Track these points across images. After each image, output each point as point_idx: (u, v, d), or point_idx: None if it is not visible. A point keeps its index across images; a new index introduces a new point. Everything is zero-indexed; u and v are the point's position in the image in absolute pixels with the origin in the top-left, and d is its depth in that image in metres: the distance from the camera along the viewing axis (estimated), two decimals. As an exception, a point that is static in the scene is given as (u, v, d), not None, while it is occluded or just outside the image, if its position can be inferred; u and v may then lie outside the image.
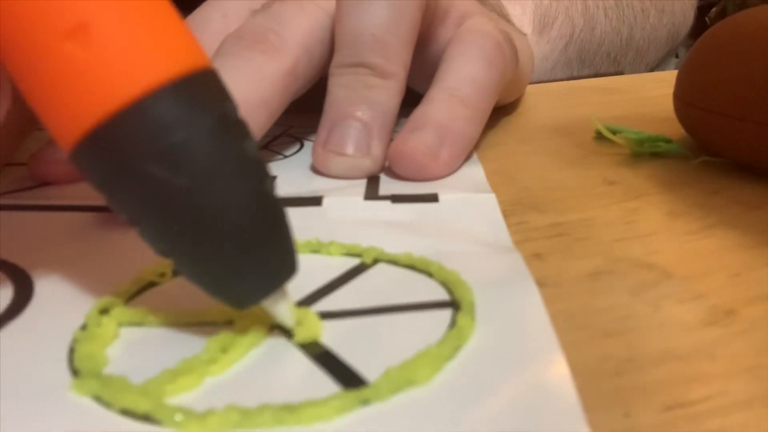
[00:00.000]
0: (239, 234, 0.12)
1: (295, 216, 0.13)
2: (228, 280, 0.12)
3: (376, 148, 0.23)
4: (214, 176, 0.12)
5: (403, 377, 0.12)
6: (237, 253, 0.12)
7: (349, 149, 0.23)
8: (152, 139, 0.11)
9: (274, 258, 0.12)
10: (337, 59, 0.24)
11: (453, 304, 0.14)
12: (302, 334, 0.13)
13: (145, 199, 0.12)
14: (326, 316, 0.14)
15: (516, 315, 0.14)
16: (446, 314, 0.14)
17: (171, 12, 0.12)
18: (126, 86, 0.11)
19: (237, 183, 0.12)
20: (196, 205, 0.11)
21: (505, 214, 0.20)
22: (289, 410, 0.11)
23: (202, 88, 0.12)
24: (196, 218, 0.12)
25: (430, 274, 0.16)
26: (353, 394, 0.12)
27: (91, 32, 0.11)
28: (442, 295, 0.15)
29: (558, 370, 0.12)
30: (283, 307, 0.13)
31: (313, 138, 0.24)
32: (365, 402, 0.11)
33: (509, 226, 0.19)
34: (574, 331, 0.14)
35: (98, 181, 0.12)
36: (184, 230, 0.12)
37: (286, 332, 0.14)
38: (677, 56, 0.60)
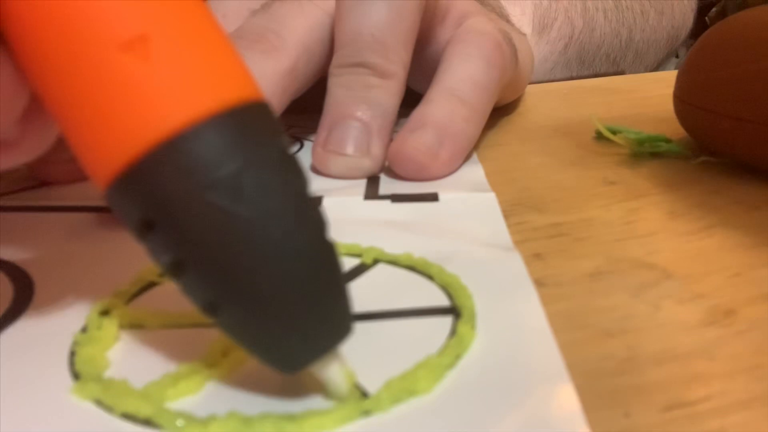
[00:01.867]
0: (297, 278, 0.11)
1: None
2: (281, 337, 0.11)
3: (376, 148, 0.23)
4: (279, 209, 0.11)
5: (403, 388, 0.12)
6: (295, 303, 0.11)
7: (349, 149, 0.23)
8: (213, 166, 0.10)
9: (333, 312, 0.11)
10: (336, 59, 0.24)
11: (453, 311, 0.14)
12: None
13: (200, 234, 0.10)
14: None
15: (515, 321, 0.14)
16: (447, 321, 0.14)
17: (227, 39, 0.11)
18: (188, 107, 0.10)
19: (301, 220, 0.11)
20: (257, 240, 0.10)
21: (505, 214, 0.20)
22: (291, 420, 0.11)
23: (261, 119, 0.11)
24: (257, 255, 0.10)
25: (430, 277, 0.16)
26: (354, 405, 0.11)
27: (150, 46, 0.10)
28: (442, 300, 0.15)
29: (558, 375, 0.12)
30: (335, 372, 0.12)
31: (313, 138, 0.25)
32: (366, 413, 0.11)
33: (509, 226, 0.19)
34: (574, 331, 0.14)
35: (145, 215, 0.11)
36: (241, 270, 0.10)
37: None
38: (677, 56, 0.60)
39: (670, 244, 0.18)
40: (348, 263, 0.17)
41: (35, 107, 0.12)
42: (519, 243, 0.18)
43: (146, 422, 0.11)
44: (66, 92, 0.11)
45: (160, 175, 0.10)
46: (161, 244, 0.11)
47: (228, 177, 0.10)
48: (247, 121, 0.11)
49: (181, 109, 0.10)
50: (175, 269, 0.11)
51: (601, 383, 0.12)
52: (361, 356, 0.13)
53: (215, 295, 0.11)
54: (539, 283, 0.16)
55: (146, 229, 0.11)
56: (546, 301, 0.15)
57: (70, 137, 0.11)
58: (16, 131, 0.12)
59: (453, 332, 0.14)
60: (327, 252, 0.11)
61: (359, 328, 0.14)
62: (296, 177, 0.11)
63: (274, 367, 0.11)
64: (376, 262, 0.17)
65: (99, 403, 0.12)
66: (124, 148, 0.10)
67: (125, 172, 0.10)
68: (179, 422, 0.11)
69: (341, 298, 0.11)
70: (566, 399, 0.11)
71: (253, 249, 0.10)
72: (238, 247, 0.10)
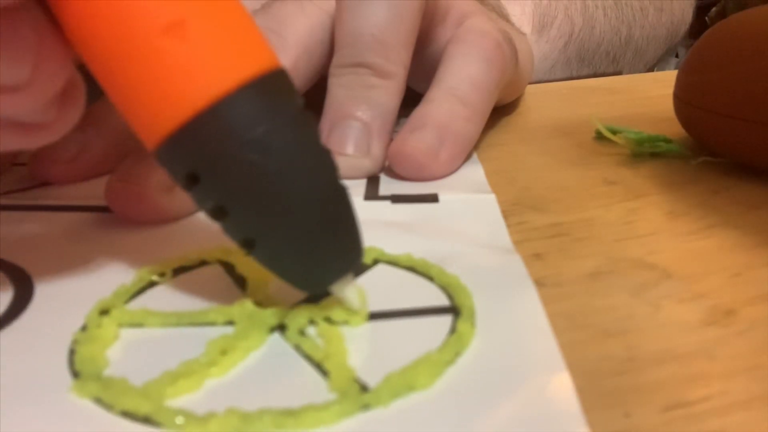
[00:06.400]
0: (320, 214, 0.13)
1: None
2: (307, 262, 0.13)
3: (376, 148, 0.23)
4: (300, 160, 0.13)
5: (403, 382, 0.12)
6: (317, 234, 0.13)
7: (349, 149, 0.23)
8: (246, 128, 0.12)
9: (347, 241, 0.14)
10: (337, 59, 0.23)
11: (453, 310, 0.14)
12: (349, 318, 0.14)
13: (239, 184, 0.12)
14: (327, 319, 0.14)
15: (515, 320, 0.14)
16: (446, 320, 0.14)
17: (249, 17, 0.13)
18: (222, 79, 0.12)
19: (318, 168, 0.13)
20: (285, 187, 0.13)
21: (505, 214, 0.20)
22: (290, 414, 0.11)
23: (281, 84, 0.13)
24: (285, 199, 0.13)
25: (430, 278, 0.16)
26: (354, 399, 0.11)
27: (187, 29, 0.12)
28: (442, 300, 0.15)
29: (557, 374, 0.12)
30: (350, 290, 0.14)
31: (313, 138, 0.24)
32: (366, 407, 0.11)
33: (509, 226, 0.19)
34: (574, 331, 0.14)
35: (191, 170, 0.13)
36: (273, 211, 0.13)
37: (281, 329, 0.14)
38: (677, 56, 0.60)
39: (670, 244, 0.18)
40: (348, 263, 0.17)
41: (69, 91, 0.14)
42: (519, 243, 0.18)
43: (145, 420, 0.11)
44: (119, 71, 0.12)
45: (202, 137, 0.12)
46: (205, 194, 0.13)
47: (258, 137, 0.12)
48: (270, 87, 0.13)
49: (216, 81, 0.12)
50: (218, 214, 0.13)
51: (601, 383, 0.12)
52: (362, 353, 0.13)
53: (251, 233, 0.13)
54: (539, 283, 0.16)
55: (192, 181, 0.13)
56: (546, 301, 0.15)
57: (123, 108, 0.13)
58: (52, 113, 0.14)
59: (453, 330, 0.14)
60: (339, 193, 0.13)
61: (360, 327, 0.14)
62: (311, 132, 0.13)
63: (301, 289, 0.14)
64: (376, 262, 0.17)
65: (98, 401, 0.12)
66: (171, 115, 0.12)
67: (172, 135, 0.12)
68: (179, 419, 0.11)
69: (353, 230, 0.14)
70: (565, 397, 0.11)
71: (280, 195, 0.13)
72: (268, 193, 0.13)
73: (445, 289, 0.15)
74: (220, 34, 0.12)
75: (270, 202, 0.13)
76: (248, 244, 0.13)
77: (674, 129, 0.26)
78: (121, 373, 0.12)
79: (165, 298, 0.15)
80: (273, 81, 0.13)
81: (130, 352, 0.13)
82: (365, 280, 0.16)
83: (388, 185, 0.22)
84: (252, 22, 0.13)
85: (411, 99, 0.25)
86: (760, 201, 0.21)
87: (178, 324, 0.14)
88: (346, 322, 0.14)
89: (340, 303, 0.14)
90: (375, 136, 0.23)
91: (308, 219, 0.13)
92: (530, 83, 0.37)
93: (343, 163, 0.23)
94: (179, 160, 0.13)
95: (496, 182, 0.22)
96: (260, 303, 0.14)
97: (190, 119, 0.12)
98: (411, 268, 0.16)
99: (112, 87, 0.13)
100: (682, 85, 0.25)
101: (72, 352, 0.13)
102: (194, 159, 0.12)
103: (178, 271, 0.16)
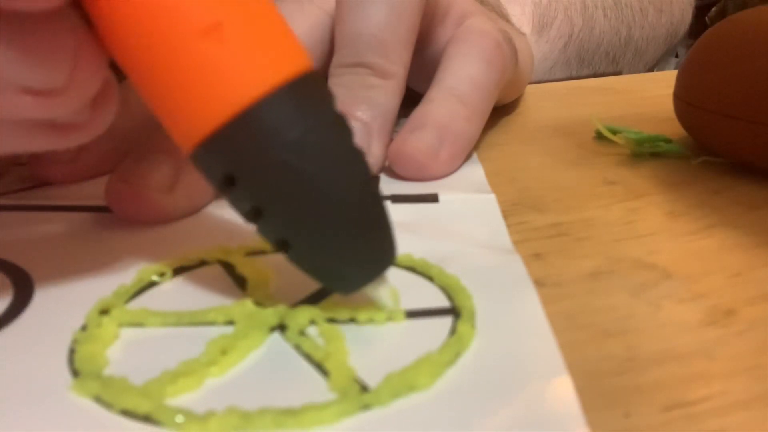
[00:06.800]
0: (355, 215, 0.13)
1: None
2: (341, 263, 0.13)
3: (376, 148, 0.23)
4: (336, 162, 0.13)
5: (403, 383, 0.12)
6: (352, 235, 0.13)
7: (349, 149, 0.23)
8: (283, 129, 0.12)
9: (381, 242, 0.14)
10: (336, 59, 0.24)
11: (453, 311, 0.14)
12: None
13: (275, 186, 0.12)
14: (327, 319, 0.14)
15: (515, 320, 0.14)
16: (447, 321, 0.14)
17: (282, 19, 0.13)
18: (259, 81, 0.12)
19: (353, 169, 0.13)
20: (321, 188, 0.12)
21: (505, 214, 0.20)
22: (290, 414, 0.11)
23: (316, 86, 0.13)
24: (321, 200, 0.12)
25: (430, 278, 0.16)
26: (354, 399, 0.11)
27: (224, 31, 0.12)
28: (442, 301, 0.15)
29: (557, 374, 0.12)
30: (383, 291, 0.14)
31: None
32: (366, 407, 0.11)
33: (509, 226, 0.19)
34: (574, 331, 0.14)
35: (228, 172, 0.13)
36: (308, 213, 0.13)
37: (280, 330, 0.14)
38: (677, 56, 0.60)
39: (670, 244, 0.18)
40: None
41: (103, 92, 0.14)
42: (519, 243, 0.18)
43: (145, 418, 0.11)
44: (156, 74, 0.12)
45: (239, 140, 0.12)
46: (241, 195, 0.13)
47: (295, 139, 0.12)
48: (305, 89, 0.13)
49: (253, 83, 0.12)
50: (253, 215, 0.13)
51: (601, 383, 0.12)
52: (362, 354, 0.13)
53: (286, 234, 0.13)
54: (539, 283, 0.16)
55: (228, 184, 0.13)
56: (546, 301, 0.15)
57: (159, 111, 0.13)
58: (86, 114, 0.14)
59: (453, 331, 0.14)
60: (374, 194, 0.13)
61: (359, 328, 0.14)
62: (345, 133, 0.13)
63: (335, 290, 0.14)
64: (376, 262, 0.17)
65: (98, 400, 0.12)
66: (209, 118, 0.12)
67: (209, 137, 0.12)
68: (179, 418, 0.11)
69: (387, 232, 0.14)
70: (565, 398, 0.11)
71: (316, 196, 0.12)
72: (303, 196, 0.12)
73: (445, 290, 0.15)
74: (256, 36, 0.12)
75: (306, 204, 0.13)
76: (283, 245, 0.13)
77: (674, 129, 0.26)
78: (121, 372, 0.12)
79: (165, 298, 0.15)
80: (308, 83, 0.13)
81: (130, 351, 0.13)
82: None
83: (388, 185, 0.22)
84: (286, 23, 0.13)
85: (411, 99, 0.25)
86: (760, 201, 0.21)
87: (178, 324, 0.14)
88: (386, 320, 0.14)
89: (372, 303, 0.14)
90: (375, 136, 0.23)
91: (343, 220, 0.13)
92: (530, 83, 0.37)
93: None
94: (216, 162, 0.13)
95: (496, 182, 0.22)
96: (260, 303, 0.14)
97: (227, 122, 0.12)
98: (411, 269, 0.16)
99: (148, 90, 0.13)
100: (682, 85, 0.25)
101: (72, 352, 0.13)
102: (231, 161, 0.12)
103: (178, 271, 0.16)
